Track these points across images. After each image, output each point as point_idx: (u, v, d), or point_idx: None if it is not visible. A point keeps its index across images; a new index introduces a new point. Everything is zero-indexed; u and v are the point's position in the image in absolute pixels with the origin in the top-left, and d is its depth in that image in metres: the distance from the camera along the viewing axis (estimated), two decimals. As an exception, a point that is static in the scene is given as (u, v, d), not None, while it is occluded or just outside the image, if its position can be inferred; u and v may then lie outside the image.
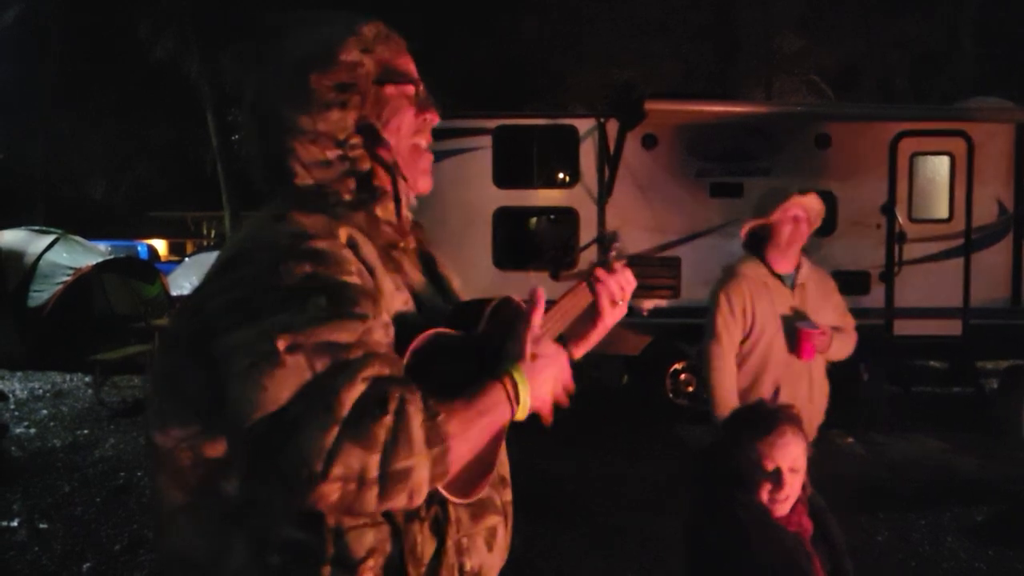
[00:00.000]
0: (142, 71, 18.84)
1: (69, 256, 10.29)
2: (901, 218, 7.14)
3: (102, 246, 14.12)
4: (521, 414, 1.06)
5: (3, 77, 16.55)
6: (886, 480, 5.43)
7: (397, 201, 1.19)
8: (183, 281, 16.09)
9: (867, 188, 7.18)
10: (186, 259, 20.63)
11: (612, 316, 1.41)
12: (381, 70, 1.17)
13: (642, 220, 7.40)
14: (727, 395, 2.90)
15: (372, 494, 0.88)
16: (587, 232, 7.48)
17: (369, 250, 1.06)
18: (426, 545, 1.04)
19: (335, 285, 0.96)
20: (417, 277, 1.18)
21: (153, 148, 23.98)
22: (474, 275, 7.36)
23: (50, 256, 10.10)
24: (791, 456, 1.94)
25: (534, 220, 8.32)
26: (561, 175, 7.79)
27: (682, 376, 7.44)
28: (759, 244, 3.00)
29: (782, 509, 1.96)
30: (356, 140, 1.14)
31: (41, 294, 9.77)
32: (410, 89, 1.20)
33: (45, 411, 7.50)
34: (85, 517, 4.72)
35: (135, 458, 5.89)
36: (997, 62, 15.12)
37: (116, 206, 25.75)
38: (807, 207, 2.94)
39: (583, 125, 7.49)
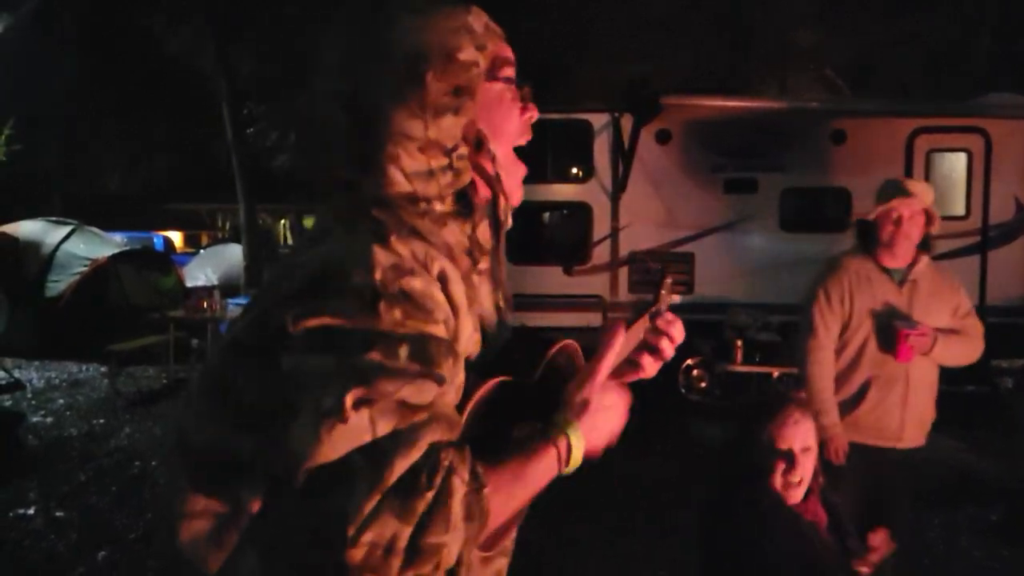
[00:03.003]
0: (158, 64, 18.94)
1: (86, 247, 10.38)
2: (917, 215, 7.09)
3: (118, 237, 14.23)
4: (568, 471, 1.01)
5: (19, 70, 16.69)
6: (916, 483, 5.38)
7: (496, 220, 1.11)
8: (198, 273, 16.23)
9: (883, 185, 7.13)
10: (201, 251, 20.79)
11: (654, 367, 1.31)
12: (491, 66, 1.08)
13: (655, 215, 7.39)
14: (825, 394, 2.81)
15: (396, 563, 0.85)
16: (601, 227, 7.47)
17: (458, 287, 0.98)
18: None
19: (421, 338, 0.90)
20: (487, 304, 1.10)
21: (168, 141, 24.11)
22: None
23: (67, 247, 10.19)
24: (801, 437, 1.98)
25: (547, 215, 8.32)
26: (575, 170, 7.78)
27: (695, 372, 7.43)
28: (869, 238, 2.89)
29: (796, 494, 1.98)
30: (463, 150, 1.05)
31: (58, 284, 9.87)
32: (515, 87, 1.12)
33: (61, 400, 7.58)
34: (100, 506, 4.78)
35: (150, 448, 5.95)
36: (1012, 58, 14.94)
37: (132, 198, 25.93)
38: (912, 206, 2.82)
39: (597, 120, 7.48)
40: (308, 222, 35.17)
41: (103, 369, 8.66)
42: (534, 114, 1.16)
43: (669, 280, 1.35)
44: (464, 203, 1.06)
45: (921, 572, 3.93)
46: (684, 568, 3.71)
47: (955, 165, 7.27)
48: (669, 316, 1.27)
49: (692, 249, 7.37)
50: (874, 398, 2.80)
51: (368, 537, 0.83)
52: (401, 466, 0.85)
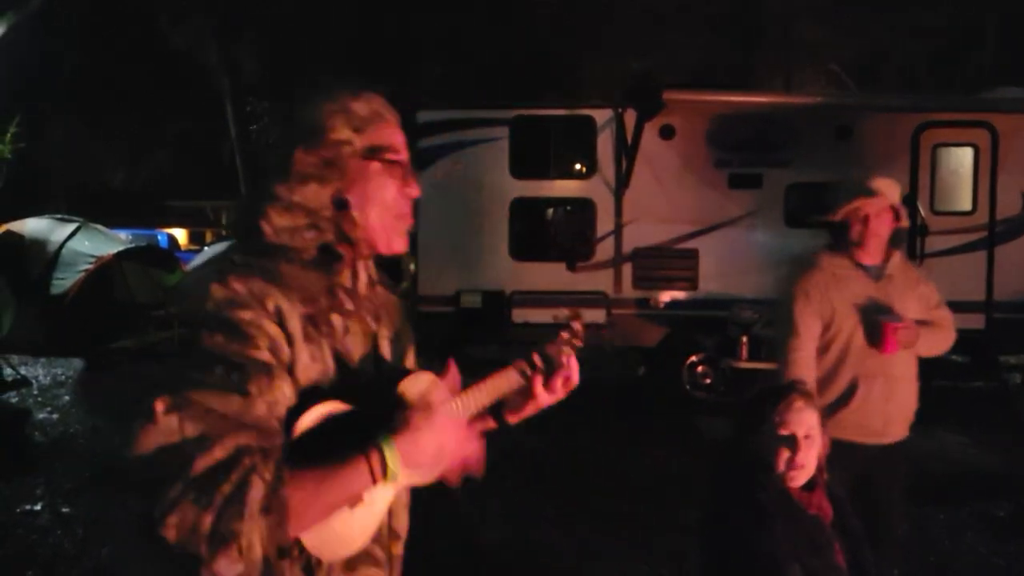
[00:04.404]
0: (162, 61, 18.96)
1: (91, 244, 10.40)
2: (923, 210, 7.06)
3: (123, 235, 14.25)
4: (392, 483, 1.14)
5: (24, 67, 16.72)
6: (906, 474, 5.38)
7: (355, 273, 1.31)
8: (202, 270, 16.25)
9: (888, 180, 7.10)
10: (205, 248, 20.80)
11: (547, 399, 1.48)
12: (369, 147, 1.27)
13: (659, 211, 7.37)
14: None
15: (203, 545, 1.00)
16: (604, 223, 7.46)
17: (295, 322, 1.15)
18: None
19: (236, 358, 1.08)
20: (356, 344, 1.27)
21: (172, 137, 24.15)
22: (491, 266, 7.36)
23: (72, 244, 10.22)
24: (805, 423, 2.00)
25: (551, 211, 8.30)
26: (578, 166, 7.76)
27: (699, 368, 7.42)
28: (843, 236, 2.86)
29: (799, 478, 1.99)
30: (328, 213, 1.25)
31: (63, 282, 9.89)
32: (395, 168, 1.30)
33: (67, 397, 7.60)
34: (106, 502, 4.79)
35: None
36: (1018, 53, 14.85)
37: (136, 195, 25.99)
38: (877, 204, 2.80)
39: (601, 116, 7.45)
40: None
41: (108, 366, 8.67)
42: (414, 192, 1.33)
43: (575, 325, 1.53)
44: (327, 255, 1.25)
45: (927, 568, 3.93)
46: (688, 563, 3.71)
47: (962, 160, 7.24)
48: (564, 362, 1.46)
49: (696, 245, 7.35)
50: (861, 395, 2.78)
51: (173, 520, 0.99)
52: (203, 463, 1.01)
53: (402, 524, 1.37)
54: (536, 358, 1.46)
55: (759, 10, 16.69)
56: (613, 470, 5.52)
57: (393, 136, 1.31)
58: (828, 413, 2.71)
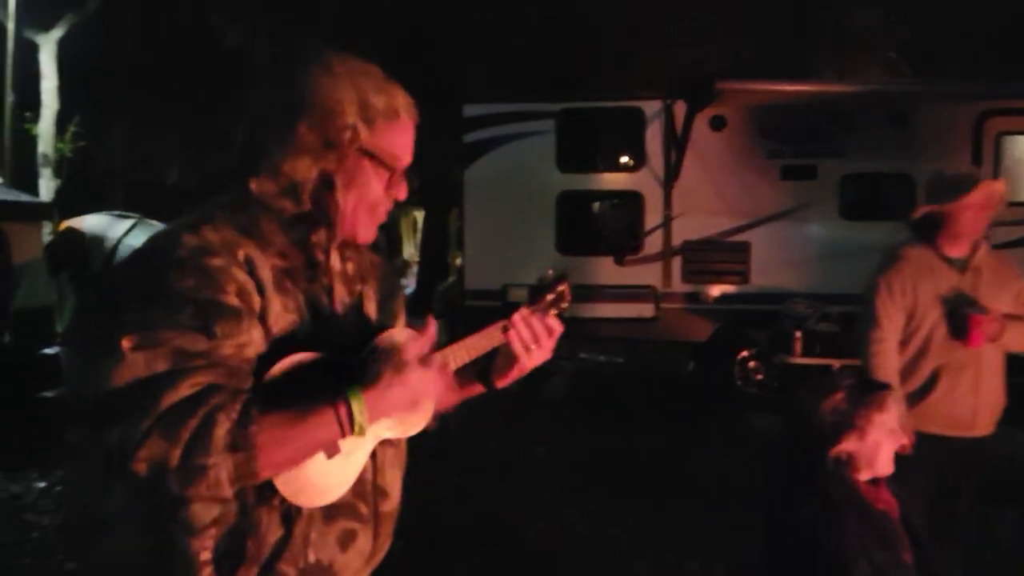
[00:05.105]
0: (215, 58, 19.39)
1: (147, 240, 10.69)
2: (986, 201, 6.82)
3: (178, 231, 14.60)
4: (360, 435, 1.16)
5: (84, 67, 17.27)
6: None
7: (327, 252, 1.31)
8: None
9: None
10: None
11: (530, 360, 1.49)
12: (372, 145, 1.28)
13: (710, 204, 7.26)
14: (889, 381, 2.74)
15: (173, 479, 1.03)
16: (652, 216, 7.39)
17: (265, 272, 1.18)
18: (272, 530, 1.18)
19: (205, 301, 1.11)
20: (338, 302, 1.30)
21: (226, 135, 24.69)
22: (537, 260, 7.34)
23: (129, 240, 10.50)
24: (899, 417, 2.03)
25: (598, 204, 8.25)
26: (626, 158, 7.69)
27: (751, 364, 7.29)
28: (930, 228, 2.84)
29: (891, 468, 2.00)
30: (311, 186, 1.26)
31: (122, 277, 10.19)
32: (388, 172, 1.32)
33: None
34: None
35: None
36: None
37: (191, 191, 26.65)
38: (992, 195, 2.79)
39: (649, 107, 7.38)
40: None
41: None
42: (401, 195, 1.35)
43: (561, 287, 1.55)
44: (305, 221, 1.26)
45: (990, 567, 3.80)
46: (741, 558, 3.65)
47: (1028, 148, 6.98)
48: (544, 322, 1.48)
49: (748, 238, 7.23)
50: (945, 386, 2.76)
51: (143, 454, 1.02)
52: (171, 398, 1.04)
53: (390, 482, 1.36)
54: (517, 319, 1.47)
55: (812, -4, 16.30)
56: (662, 465, 5.46)
57: (400, 141, 1.32)
58: (910, 404, 2.71)
